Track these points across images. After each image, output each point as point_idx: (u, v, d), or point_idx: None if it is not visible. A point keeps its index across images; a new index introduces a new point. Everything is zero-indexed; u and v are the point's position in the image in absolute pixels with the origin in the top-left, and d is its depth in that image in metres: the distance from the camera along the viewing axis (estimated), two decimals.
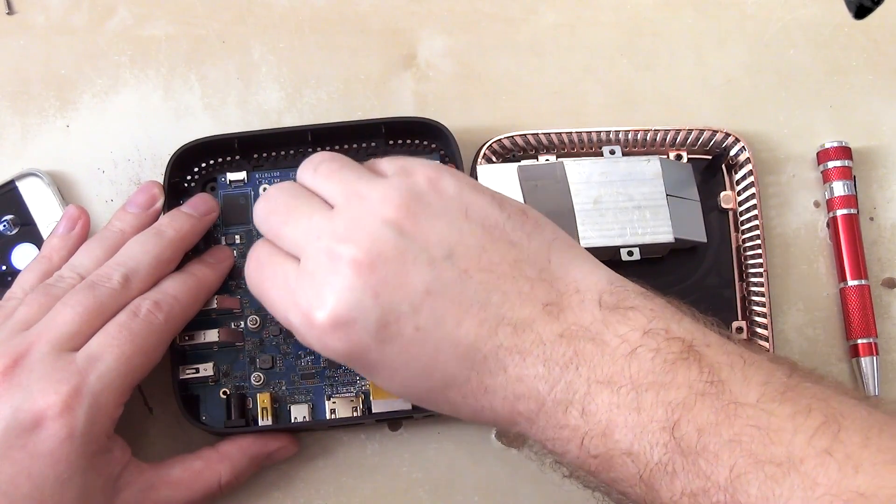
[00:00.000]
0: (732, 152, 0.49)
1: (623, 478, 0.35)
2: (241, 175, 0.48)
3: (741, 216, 0.49)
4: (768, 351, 0.47)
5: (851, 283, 0.49)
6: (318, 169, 0.41)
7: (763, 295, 0.48)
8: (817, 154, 0.51)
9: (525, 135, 0.49)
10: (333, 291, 0.37)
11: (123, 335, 0.41)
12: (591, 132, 0.49)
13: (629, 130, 0.49)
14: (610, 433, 0.35)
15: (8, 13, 0.51)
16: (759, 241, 0.48)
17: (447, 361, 0.37)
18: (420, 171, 0.39)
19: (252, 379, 0.46)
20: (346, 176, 0.40)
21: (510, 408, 0.37)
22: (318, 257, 0.38)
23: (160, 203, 0.46)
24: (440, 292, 0.37)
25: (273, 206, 0.41)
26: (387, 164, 0.41)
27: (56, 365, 0.39)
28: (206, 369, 0.45)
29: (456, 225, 0.38)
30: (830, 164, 0.50)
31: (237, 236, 0.48)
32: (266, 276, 0.40)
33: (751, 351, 0.36)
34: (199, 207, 0.46)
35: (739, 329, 0.48)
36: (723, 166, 0.50)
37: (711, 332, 0.37)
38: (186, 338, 0.45)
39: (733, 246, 0.50)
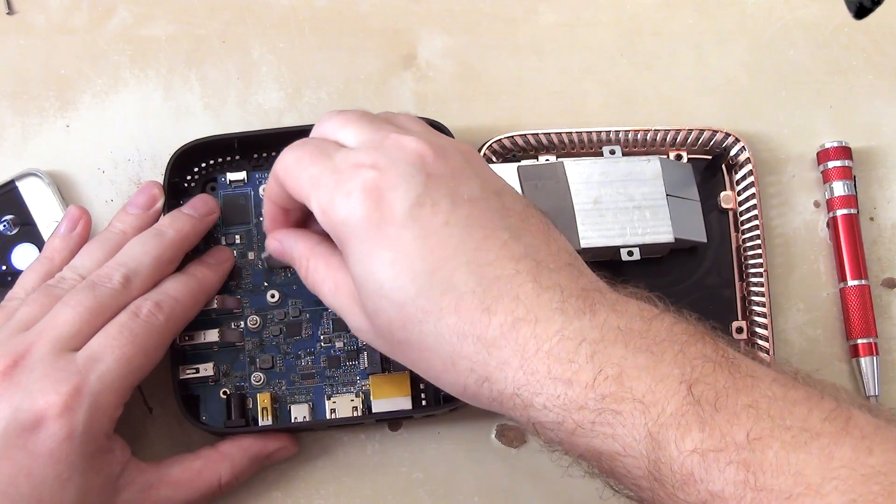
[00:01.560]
0: (732, 152, 0.50)
1: (626, 431, 0.33)
2: (241, 175, 0.48)
3: (741, 216, 0.49)
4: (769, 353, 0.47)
5: (851, 283, 0.49)
6: (400, 115, 0.42)
7: (763, 295, 0.48)
8: (817, 154, 0.51)
9: (525, 135, 0.49)
10: (390, 159, 0.37)
11: (124, 336, 0.41)
12: (591, 132, 0.49)
13: (629, 130, 0.49)
14: (623, 378, 0.33)
15: (8, 13, 0.51)
16: (759, 241, 0.48)
17: (459, 266, 0.35)
18: None
19: (252, 379, 0.46)
20: (427, 126, 0.42)
21: (504, 335, 0.34)
22: (385, 141, 0.38)
23: (160, 203, 0.46)
24: (481, 207, 0.37)
25: (347, 112, 0.41)
26: None
27: (56, 365, 0.39)
28: (206, 369, 0.45)
29: (507, 187, 0.39)
30: (830, 164, 0.50)
31: (237, 236, 0.48)
32: (309, 151, 0.39)
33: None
34: (199, 208, 0.46)
35: (739, 329, 0.48)
36: (723, 166, 0.50)
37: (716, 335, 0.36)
38: (186, 338, 0.45)
39: (733, 246, 0.50)
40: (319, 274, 0.41)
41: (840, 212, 0.50)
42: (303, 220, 0.43)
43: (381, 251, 0.36)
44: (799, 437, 0.31)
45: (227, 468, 0.44)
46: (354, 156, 0.38)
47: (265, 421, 0.45)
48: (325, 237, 0.40)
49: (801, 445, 0.31)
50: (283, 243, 0.43)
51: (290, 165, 0.40)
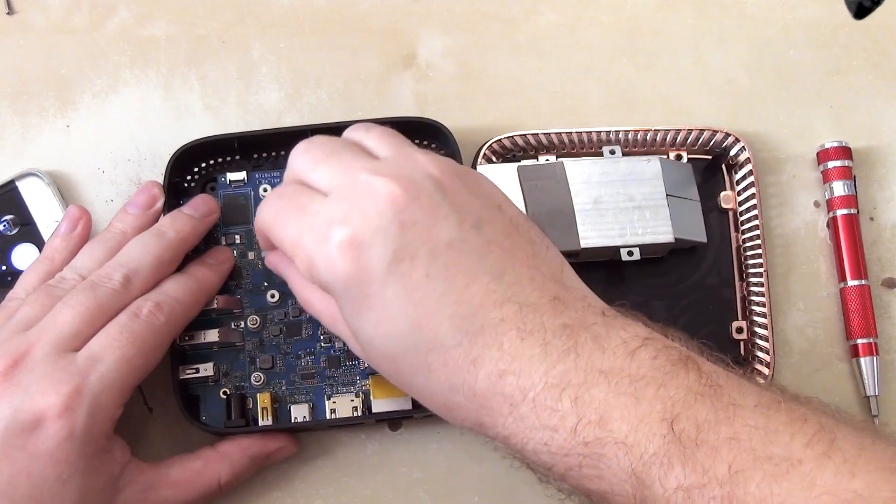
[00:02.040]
0: (732, 152, 0.49)
1: (612, 473, 0.34)
2: (241, 175, 0.48)
3: (741, 216, 0.49)
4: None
5: (851, 283, 0.49)
6: (371, 130, 0.41)
7: (763, 295, 0.48)
8: (817, 154, 0.51)
9: (525, 135, 0.49)
10: (362, 213, 0.36)
11: (124, 336, 0.41)
12: (591, 132, 0.49)
13: (629, 130, 0.49)
14: (606, 421, 0.33)
15: (8, 13, 0.51)
16: (759, 241, 0.48)
17: (443, 320, 0.35)
18: (466, 167, 0.41)
19: (252, 379, 0.46)
20: (398, 141, 0.41)
21: (492, 386, 0.35)
22: (355, 187, 0.37)
23: (160, 203, 0.46)
24: (460, 250, 0.36)
25: (316, 146, 0.40)
26: None
27: (56, 365, 0.39)
28: (206, 369, 0.45)
29: (489, 209, 0.38)
30: (830, 164, 0.50)
31: (237, 236, 0.48)
32: (286, 204, 0.39)
33: (740, 373, 0.36)
34: (200, 208, 0.46)
35: (739, 329, 0.48)
36: (723, 166, 0.50)
37: (703, 354, 0.37)
38: (186, 338, 0.45)
39: (733, 246, 0.50)
40: (314, 306, 0.42)
41: (840, 212, 0.50)
42: None
43: (366, 311, 0.37)
44: (780, 467, 0.31)
45: (226, 468, 0.44)
46: (328, 210, 0.37)
47: (265, 421, 0.45)
48: None
49: (783, 475, 0.31)
50: (279, 270, 0.44)
51: (270, 222, 0.40)
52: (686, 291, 0.49)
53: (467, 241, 0.36)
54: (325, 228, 0.37)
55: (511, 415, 0.35)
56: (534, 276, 0.37)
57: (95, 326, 0.41)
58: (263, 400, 0.45)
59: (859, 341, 0.48)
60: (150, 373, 0.42)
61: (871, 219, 0.51)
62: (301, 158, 0.40)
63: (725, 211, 0.50)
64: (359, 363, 0.46)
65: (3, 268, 0.48)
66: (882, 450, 0.32)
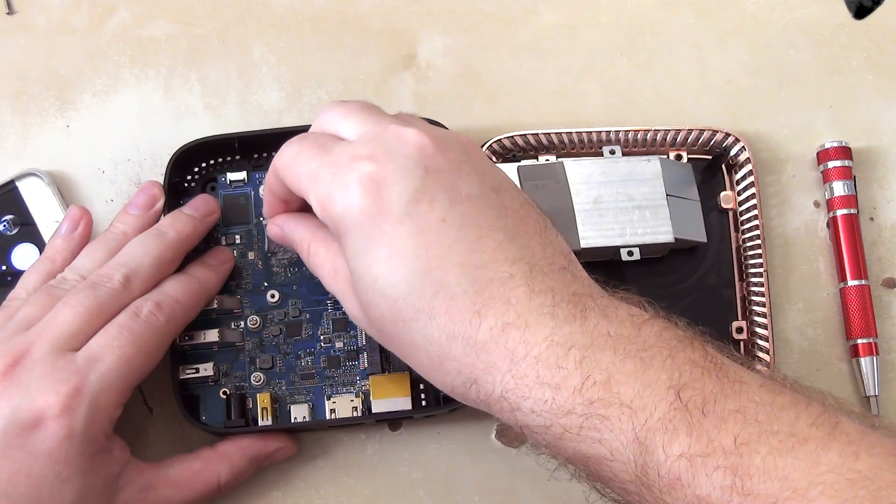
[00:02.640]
0: (732, 152, 0.49)
1: (613, 436, 0.33)
2: (241, 175, 0.48)
3: (741, 216, 0.49)
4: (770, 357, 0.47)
5: (851, 283, 0.49)
6: (402, 112, 0.42)
7: (763, 295, 0.48)
8: (817, 154, 0.51)
9: (525, 135, 0.49)
10: (388, 153, 0.37)
11: (124, 336, 0.41)
12: (591, 132, 0.49)
13: (629, 130, 0.49)
14: (611, 384, 0.33)
15: (8, 13, 0.51)
16: (759, 241, 0.48)
17: (452, 266, 0.35)
18: None
19: (252, 379, 0.46)
20: (426, 122, 0.42)
21: (494, 339, 0.34)
22: (384, 133, 0.38)
23: (161, 203, 0.46)
24: (478, 205, 0.36)
25: (348, 103, 0.41)
26: None
27: (56, 365, 0.39)
28: (206, 369, 0.45)
29: (507, 182, 0.39)
30: (830, 164, 0.50)
31: (237, 236, 0.48)
32: (308, 145, 0.39)
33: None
34: (200, 209, 0.46)
35: (739, 329, 0.48)
36: (723, 166, 0.50)
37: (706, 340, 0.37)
38: (186, 338, 0.45)
39: (733, 246, 0.50)
40: (319, 258, 0.41)
41: (840, 212, 0.50)
42: (302, 209, 0.44)
43: (376, 246, 0.36)
44: (786, 442, 0.31)
45: (226, 468, 0.44)
46: (353, 148, 0.38)
47: (265, 421, 0.45)
48: None
49: (788, 450, 0.31)
50: (284, 228, 0.43)
51: (289, 160, 0.40)
52: (686, 291, 0.49)
53: (486, 198, 0.37)
54: (349, 162, 0.37)
55: (510, 371, 0.34)
56: (545, 246, 0.37)
57: (95, 326, 0.41)
58: (263, 400, 0.45)
59: (859, 341, 0.48)
60: (149, 373, 0.42)
61: (871, 219, 0.51)
62: (333, 111, 0.41)
63: (725, 211, 0.50)
64: (359, 363, 0.46)
65: (3, 268, 0.48)
66: (883, 436, 0.32)
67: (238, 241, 0.48)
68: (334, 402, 0.46)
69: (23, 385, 0.39)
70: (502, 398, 0.35)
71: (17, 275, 0.46)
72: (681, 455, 0.31)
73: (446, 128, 0.46)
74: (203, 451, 0.44)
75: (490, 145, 0.49)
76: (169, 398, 0.46)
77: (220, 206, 0.47)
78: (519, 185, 0.46)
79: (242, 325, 0.47)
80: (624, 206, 0.47)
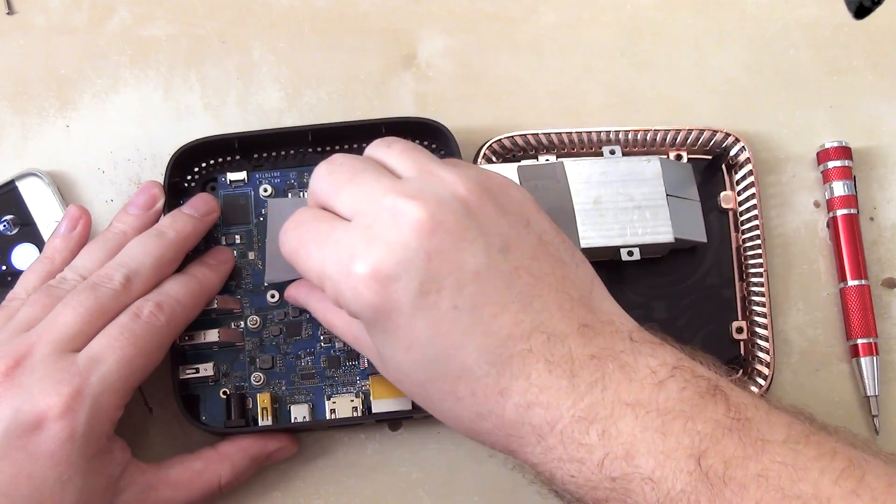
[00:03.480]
0: (732, 152, 0.49)
1: None
2: (241, 175, 0.48)
3: (741, 216, 0.49)
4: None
5: (851, 283, 0.49)
6: (392, 146, 0.40)
7: (763, 295, 0.48)
8: (817, 154, 0.51)
9: (525, 135, 0.49)
10: (386, 244, 0.35)
11: (125, 337, 0.41)
12: (591, 132, 0.49)
13: (629, 130, 0.49)
14: (632, 456, 0.33)
15: (8, 13, 0.51)
16: (759, 241, 0.48)
17: (471, 350, 0.35)
18: (494, 173, 0.40)
19: (252, 379, 0.46)
20: (421, 157, 0.39)
21: (520, 417, 0.35)
22: (379, 213, 0.36)
23: (161, 203, 0.46)
24: (488, 279, 0.36)
25: (338, 168, 0.39)
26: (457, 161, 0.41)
27: (57, 366, 0.39)
28: (206, 369, 0.45)
29: (516, 227, 0.37)
30: (830, 164, 0.50)
31: (237, 236, 0.48)
32: (307, 232, 0.39)
33: (769, 400, 0.36)
34: (200, 208, 0.46)
35: (739, 329, 0.48)
36: (723, 166, 0.50)
37: (732, 380, 0.36)
38: (186, 338, 0.45)
39: (733, 246, 0.50)
40: (337, 329, 0.43)
41: (840, 212, 0.50)
42: None
43: (394, 338, 0.37)
44: None
45: (226, 468, 0.44)
46: (350, 239, 0.36)
47: (265, 421, 0.45)
48: None
49: None
50: (298, 300, 0.45)
51: (294, 253, 0.39)
52: (686, 291, 0.49)
53: (494, 268, 0.36)
54: (349, 260, 0.36)
55: (539, 444, 0.35)
56: (562, 302, 0.36)
57: (96, 327, 0.41)
58: (263, 400, 0.45)
59: (859, 341, 0.48)
60: (150, 373, 0.42)
61: (871, 219, 0.51)
62: (323, 183, 0.39)
63: (725, 211, 0.50)
64: (359, 363, 0.46)
65: (3, 268, 0.48)
66: None
67: (238, 241, 0.48)
68: (334, 402, 0.46)
69: (24, 386, 0.39)
70: (535, 467, 0.36)
71: (17, 275, 0.46)
72: None
73: (448, 130, 0.47)
74: (204, 451, 0.44)
75: (490, 145, 0.49)
76: (169, 398, 0.46)
77: (219, 205, 0.47)
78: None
79: (242, 325, 0.47)
80: (624, 206, 0.46)
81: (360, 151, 0.48)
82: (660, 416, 0.34)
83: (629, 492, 0.33)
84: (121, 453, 0.41)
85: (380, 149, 0.41)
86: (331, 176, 0.39)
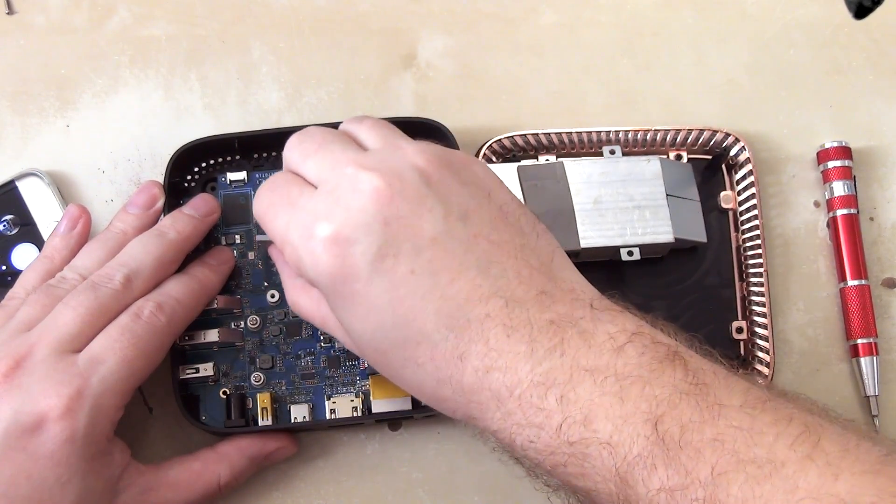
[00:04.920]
0: (732, 152, 0.50)
1: (596, 472, 0.34)
2: (241, 175, 0.48)
3: (741, 216, 0.49)
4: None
5: (851, 283, 0.49)
6: (363, 122, 0.42)
7: (763, 295, 0.48)
8: (817, 154, 0.51)
9: (525, 135, 0.49)
10: (346, 209, 0.36)
11: (126, 338, 0.41)
12: (591, 132, 0.49)
13: (629, 130, 0.49)
14: (590, 421, 0.34)
15: (8, 13, 0.51)
16: (759, 241, 0.48)
17: (429, 315, 0.36)
18: (458, 152, 0.41)
19: (252, 379, 0.46)
20: (388, 131, 0.41)
21: (479, 382, 0.35)
22: (340, 181, 0.37)
23: (161, 203, 0.46)
24: (445, 245, 0.36)
25: (308, 138, 0.41)
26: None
27: (58, 367, 0.39)
28: (206, 369, 0.45)
29: (476, 198, 0.38)
30: (830, 164, 0.50)
31: (237, 236, 0.48)
32: (277, 196, 0.40)
33: (729, 367, 0.36)
34: (200, 208, 0.46)
35: (739, 329, 0.48)
36: (723, 166, 0.50)
37: (693, 347, 0.37)
38: (186, 338, 0.45)
39: (733, 246, 0.50)
40: (304, 309, 0.42)
41: (840, 212, 0.50)
42: None
43: (353, 306, 0.37)
44: (764, 469, 0.31)
45: (226, 469, 0.44)
46: (314, 204, 0.37)
47: (265, 421, 0.45)
48: None
49: (766, 477, 0.31)
50: (277, 263, 0.45)
51: (263, 214, 0.40)
52: (686, 291, 0.49)
53: (452, 235, 0.36)
54: (311, 224, 0.37)
55: (499, 410, 0.35)
56: (521, 269, 0.37)
57: (96, 327, 0.41)
58: (263, 400, 0.45)
59: (859, 341, 0.48)
60: (151, 374, 0.42)
61: (871, 219, 0.51)
62: (293, 151, 0.41)
63: (725, 211, 0.50)
64: (359, 363, 0.46)
65: (3, 268, 0.48)
66: (867, 450, 0.32)
67: (238, 241, 0.48)
68: (334, 402, 0.46)
69: (24, 387, 0.39)
70: (496, 434, 0.36)
71: (17, 275, 0.46)
72: (660, 489, 0.32)
73: (448, 130, 0.47)
74: (203, 452, 0.44)
75: (490, 145, 0.49)
76: (169, 398, 0.46)
77: (220, 205, 0.47)
78: (519, 185, 0.46)
79: (242, 325, 0.47)
80: (624, 206, 0.47)
81: None
82: (618, 382, 0.34)
83: (587, 456, 0.34)
84: (120, 455, 0.41)
85: (351, 123, 0.42)
86: (301, 145, 0.41)
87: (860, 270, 0.49)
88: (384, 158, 0.38)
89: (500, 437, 0.36)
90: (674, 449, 0.32)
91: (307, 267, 0.37)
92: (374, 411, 0.45)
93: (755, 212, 0.49)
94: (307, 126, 0.43)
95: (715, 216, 0.50)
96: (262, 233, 0.45)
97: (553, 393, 0.34)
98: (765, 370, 0.47)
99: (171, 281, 0.44)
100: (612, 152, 0.49)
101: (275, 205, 0.39)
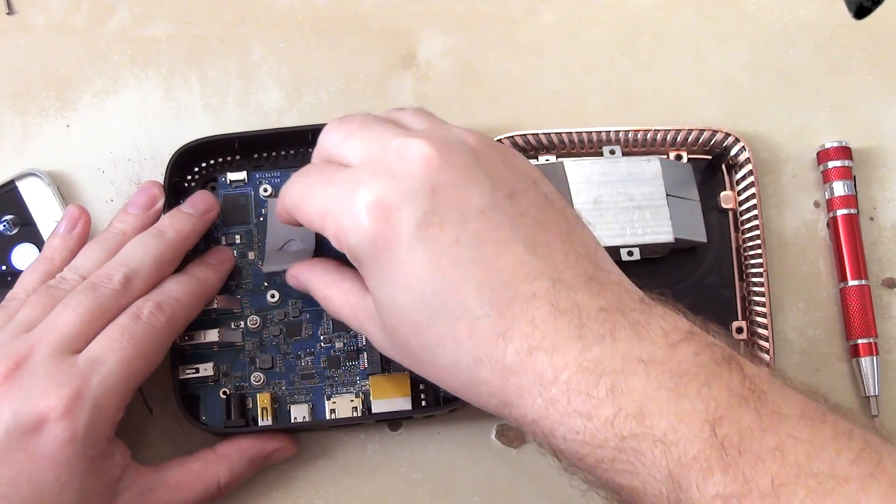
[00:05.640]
0: (732, 152, 0.50)
1: (647, 470, 0.31)
2: (242, 175, 0.48)
3: (741, 216, 0.49)
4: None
5: (851, 283, 0.49)
6: (405, 109, 0.41)
7: (763, 295, 0.48)
8: (817, 154, 0.51)
9: (525, 135, 0.49)
10: (391, 175, 0.35)
11: (125, 338, 0.40)
12: (591, 132, 0.49)
13: (629, 130, 0.49)
14: (644, 416, 0.31)
15: (8, 13, 0.51)
16: (759, 241, 0.48)
17: (471, 288, 0.34)
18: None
19: (252, 379, 0.46)
20: (432, 116, 0.40)
21: (521, 362, 0.33)
22: (387, 153, 0.36)
23: (160, 203, 0.46)
24: (492, 218, 0.35)
25: (349, 120, 0.39)
26: None
27: (58, 368, 0.39)
28: (206, 369, 0.45)
29: (523, 182, 0.37)
30: (830, 164, 0.50)
31: (237, 236, 0.48)
32: (312, 179, 0.38)
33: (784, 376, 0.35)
34: (199, 206, 0.46)
35: (739, 329, 0.48)
36: (723, 166, 0.50)
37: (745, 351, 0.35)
38: (186, 338, 0.45)
39: (733, 246, 0.50)
40: (336, 304, 0.41)
41: (840, 212, 0.50)
42: None
43: (393, 275, 0.35)
44: (825, 484, 0.30)
45: (225, 469, 0.44)
46: (356, 174, 0.36)
47: (265, 421, 0.45)
48: (337, 260, 0.42)
49: (828, 493, 0.30)
50: (299, 278, 0.44)
51: (297, 198, 0.39)
52: (686, 291, 0.49)
53: (500, 209, 0.35)
54: (353, 189, 0.35)
55: (541, 395, 0.33)
56: (568, 252, 0.35)
57: (96, 328, 0.41)
58: (263, 400, 0.45)
59: (859, 341, 0.48)
60: (151, 374, 0.42)
61: (871, 219, 0.51)
62: (333, 134, 0.39)
63: (725, 211, 0.50)
64: (359, 363, 0.46)
65: (3, 268, 0.48)
66: None
67: (238, 241, 0.48)
68: (334, 402, 0.46)
69: (24, 388, 0.39)
70: (535, 423, 0.34)
71: (17, 275, 0.46)
72: (716, 495, 0.30)
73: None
74: (202, 452, 0.44)
75: None
76: (169, 398, 0.46)
77: (219, 202, 0.47)
78: None
79: (242, 325, 0.47)
80: (624, 206, 0.47)
81: None
82: (674, 378, 0.32)
83: (639, 453, 0.31)
84: (121, 456, 0.41)
85: (392, 111, 0.41)
86: (342, 126, 0.39)
87: (860, 270, 0.49)
88: (433, 131, 0.37)
89: (538, 427, 0.34)
90: (733, 454, 0.30)
91: (349, 234, 0.36)
92: (374, 411, 0.45)
93: (755, 212, 0.49)
94: (309, 132, 0.42)
95: (715, 216, 0.50)
96: (273, 259, 0.45)
97: (604, 381, 0.32)
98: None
99: (170, 280, 0.44)
100: (612, 152, 0.49)
101: (310, 186, 0.38)
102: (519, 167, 0.38)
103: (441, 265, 0.34)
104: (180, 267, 0.45)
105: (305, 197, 0.38)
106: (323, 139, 0.40)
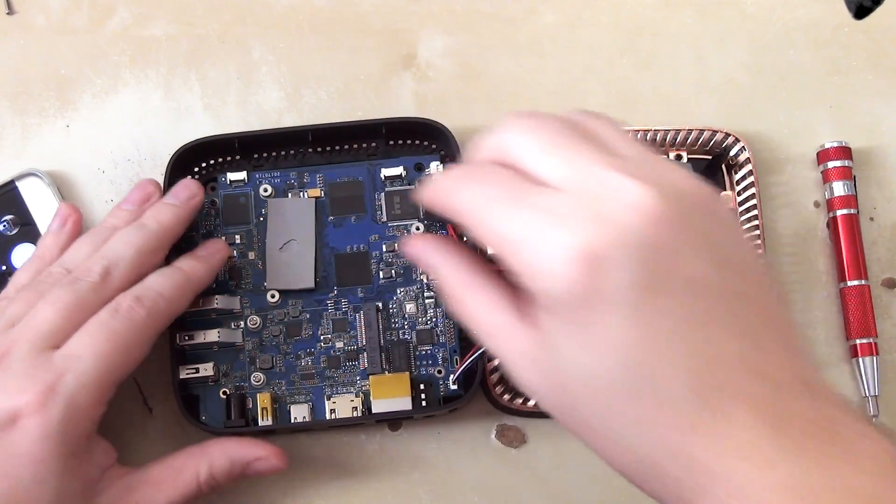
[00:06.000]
0: (732, 152, 0.49)
1: None
2: (242, 175, 0.48)
3: (741, 216, 0.49)
4: None
5: (851, 283, 0.49)
6: (600, 117, 0.35)
7: None
8: (817, 154, 0.51)
9: None
10: (604, 221, 0.29)
11: (102, 333, 0.39)
12: None
13: (629, 130, 0.49)
14: None
15: (8, 13, 0.51)
16: (759, 241, 0.48)
17: (674, 369, 0.29)
18: None
19: (252, 379, 0.46)
20: (636, 141, 0.33)
21: (713, 463, 0.29)
22: (598, 189, 0.30)
23: (155, 200, 0.46)
24: (713, 295, 0.30)
25: (542, 125, 0.33)
26: None
27: (34, 363, 0.38)
28: (206, 369, 0.45)
29: (742, 250, 0.32)
30: (830, 164, 0.50)
31: (237, 236, 0.48)
32: (493, 189, 0.32)
33: None
34: (180, 195, 0.45)
35: None
36: (723, 166, 0.50)
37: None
38: (186, 338, 0.45)
39: None
40: (480, 317, 0.34)
41: (840, 212, 0.50)
42: None
43: (585, 335, 0.30)
44: None
45: (205, 465, 0.42)
46: (559, 206, 0.30)
47: (265, 421, 0.45)
48: (474, 250, 0.36)
49: None
50: (429, 261, 0.36)
51: (476, 207, 0.32)
52: None
53: (724, 287, 0.30)
54: (554, 225, 0.30)
55: (725, 502, 0.29)
56: (788, 347, 0.30)
57: (76, 323, 0.40)
58: (263, 400, 0.45)
59: (859, 341, 0.48)
60: (149, 372, 0.42)
61: (871, 219, 0.51)
62: (521, 137, 0.33)
63: None
64: (359, 363, 0.46)
65: (3, 268, 0.48)
66: None
67: (238, 241, 0.48)
68: (334, 402, 0.46)
69: (2, 385, 0.38)
70: None
71: None
72: None
73: (448, 130, 0.47)
74: (189, 447, 0.43)
75: None
76: (169, 398, 0.46)
77: (202, 189, 0.46)
78: None
79: (242, 325, 0.47)
80: None
81: (359, 152, 0.49)
82: None
83: None
84: (103, 455, 0.40)
85: (582, 115, 0.35)
86: (535, 131, 0.33)
87: (860, 270, 0.49)
88: (650, 171, 0.31)
89: None
90: None
91: (541, 274, 0.30)
92: (374, 411, 0.45)
93: (755, 212, 0.49)
94: (309, 132, 0.41)
95: None
96: (276, 244, 0.44)
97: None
98: None
99: (153, 274, 0.42)
100: None
101: (491, 199, 0.32)
102: (737, 230, 0.33)
103: (641, 334, 0.29)
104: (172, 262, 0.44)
105: (483, 212, 0.32)
106: (504, 136, 0.33)
